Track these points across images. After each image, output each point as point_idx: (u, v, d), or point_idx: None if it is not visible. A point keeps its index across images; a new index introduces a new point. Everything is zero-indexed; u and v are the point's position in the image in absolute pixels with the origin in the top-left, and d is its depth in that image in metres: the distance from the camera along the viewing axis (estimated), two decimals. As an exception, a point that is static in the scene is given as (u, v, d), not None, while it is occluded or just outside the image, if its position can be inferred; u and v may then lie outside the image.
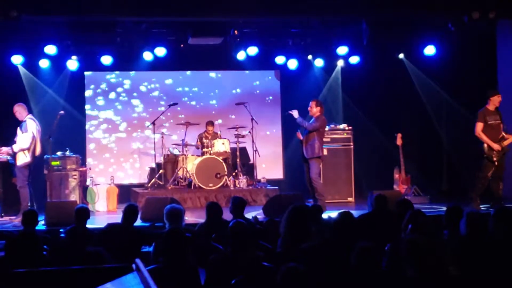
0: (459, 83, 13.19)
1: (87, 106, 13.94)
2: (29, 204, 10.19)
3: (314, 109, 10.99)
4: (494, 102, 10.62)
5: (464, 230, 5.62)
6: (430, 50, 12.89)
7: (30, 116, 10.56)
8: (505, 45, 12.13)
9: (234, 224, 5.35)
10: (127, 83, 14.19)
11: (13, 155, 10.39)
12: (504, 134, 10.63)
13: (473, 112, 12.60)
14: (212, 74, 14.53)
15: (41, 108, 12.65)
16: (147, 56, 12.74)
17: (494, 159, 10.49)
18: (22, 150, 10.29)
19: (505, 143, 10.57)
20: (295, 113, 11.01)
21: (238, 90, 14.53)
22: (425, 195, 12.30)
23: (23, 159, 10.32)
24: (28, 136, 10.29)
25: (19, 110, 10.53)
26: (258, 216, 8.91)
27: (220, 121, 14.01)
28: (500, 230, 5.80)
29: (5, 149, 10.52)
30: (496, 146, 10.49)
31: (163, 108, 13.62)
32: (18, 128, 10.41)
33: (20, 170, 10.36)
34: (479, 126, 10.59)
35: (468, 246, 5.33)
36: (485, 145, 10.54)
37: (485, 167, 10.58)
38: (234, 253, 5.14)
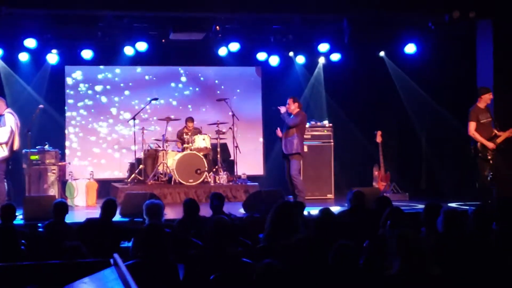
0: (439, 81, 13.28)
1: (66, 100, 13.86)
2: (6, 198, 10.11)
3: (292, 106, 11.01)
4: (486, 100, 10.33)
5: (441, 228, 5.67)
6: (410, 49, 12.97)
7: (9, 110, 10.47)
8: (485, 45, 12.19)
9: (217, 220, 5.35)
10: (107, 77, 14.13)
11: None
12: (496, 132, 10.35)
13: (452, 111, 12.73)
14: (194, 69, 14.50)
15: (20, 102, 12.52)
16: (128, 51, 12.68)
17: (489, 157, 10.19)
18: (0, 144, 10.21)
19: (499, 140, 10.25)
20: (282, 109, 11.03)
21: (219, 86, 14.52)
22: (404, 193, 12.37)
23: (0, 153, 10.23)
24: (6, 130, 10.21)
25: None
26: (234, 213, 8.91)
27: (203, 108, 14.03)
28: (477, 228, 5.86)
29: None
30: (491, 145, 10.20)
31: (143, 103, 13.55)
32: None
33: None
34: (472, 125, 10.29)
35: (445, 243, 5.37)
36: (479, 144, 10.26)
37: (481, 167, 10.30)
38: (214, 249, 5.14)
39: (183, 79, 14.48)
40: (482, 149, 10.25)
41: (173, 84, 14.40)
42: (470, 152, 10.47)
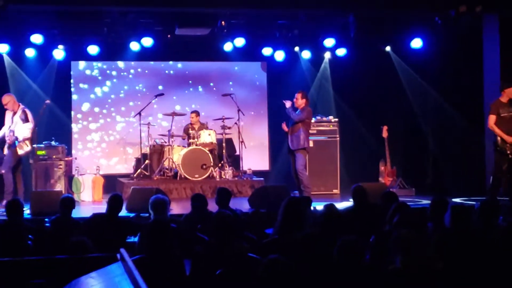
0: (445, 76, 13.23)
1: (73, 96, 13.88)
2: (12, 190, 10.27)
3: (300, 101, 11.00)
4: (509, 94, 10.15)
5: (449, 223, 5.66)
6: (417, 43, 12.95)
7: (22, 106, 10.68)
8: (491, 39, 12.17)
9: (218, 215, 5.36)
10: (113, 73, 14.13)
11: (14, 143, 10.48)
12: None
13: (458, 105, 12.71)
14: (199, 64, 14.50)
15: (27, 98, 12.50)
16: (134, 46, 12.70)
17: (508, 152, 10.02)
18: (25, 139, 10.52)
19: None
20: (287, 103, 11.02)
21: (225, 81, 14.52)
22: (410, 188, 12.36)
23: (25, 148, 10.56)
24: (29, 126, 10.55)
25: (12, 100, 10.64)
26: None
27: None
28: (484, 223, 5.86)
29: (12, 137, 10.53)
30: (509, 139, 10.02)
31: (149, 99, 13.53)
32: (18, 117, 10.48)
33: (11, 157, 10.43)
34: (492, 118, 10.16)
35: (452, 238, 5.36)
36: (498, 138, 10.10)
37: (499, 161, 10.16)
38: (219, 244, 5.15)
39: (189, 74, 14.47)
40: (501, 142, 10.14)
41: (178, 80, 14.40)
42: (496, 145, 10.32)
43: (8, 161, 10.50)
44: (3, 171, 10.48)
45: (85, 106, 13.98)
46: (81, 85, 13.96)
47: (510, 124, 10.16)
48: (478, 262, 5.02)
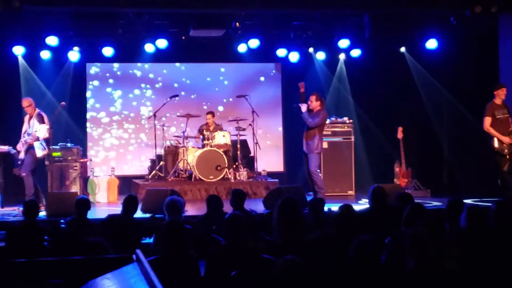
0: (460, 77, 13.17)
1: (88, 97, 13.94)
2: (33, 193, 10.31)
3: (314, 103, 10.90)
4: (500, 95, 10.38)
5: (465, 224, 5.63)
6: (432, 44, 12.89)
7: (38, 110, 10.75)
8: (507, 40, 12.10)
9: (230, 216, 5.36)
10: (128, 74, 14.18)
11: (31, 144, 10.55)
12: None
13: (473, 106, 12.63)
14: (214, 66, 14.52)
15: (42, 100, 12.57)
16: (149, 47, 12.74)
17: (505, 151, 10.20)
18: (45, 139, 10.57)
19: None
20: (303, 107, 10.92)
21: (239, 83, 14.53)
22: (425, 189, 12.31)
23: (42, 150, 10.56)
24: (46, 127, 10.55)
25: (32, 104, 10.69)
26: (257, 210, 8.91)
27: (221, 108, 14.06)
28: (501, 224, 5.82)
29: (34, 137, 10.60)
30: (506, 139, 10.22)
31: (164, 100, 13.56)
32: (35, 119, 10.51)
33: (31, 160, 10.48)
34: (487, 120, 10.34)
35: (468, 239, 5.34)
36: (495, 139, 10.27)
37: (499, 162, 10.31)
38: (234, 245, 5.15)
39: (203, 75, 14.49)
40: (499, 144, 10.28)
41: (193, 81, 14.43)
42: (489, 148, 10.45)
43: (29, 164, 10.49)
44: (23, 174, 10.49)
45: (100, 108, 14.04)
46: (95, 87, 14.02)
47: (505, 126, 10.39)
48: (494, 263, 4.99)
